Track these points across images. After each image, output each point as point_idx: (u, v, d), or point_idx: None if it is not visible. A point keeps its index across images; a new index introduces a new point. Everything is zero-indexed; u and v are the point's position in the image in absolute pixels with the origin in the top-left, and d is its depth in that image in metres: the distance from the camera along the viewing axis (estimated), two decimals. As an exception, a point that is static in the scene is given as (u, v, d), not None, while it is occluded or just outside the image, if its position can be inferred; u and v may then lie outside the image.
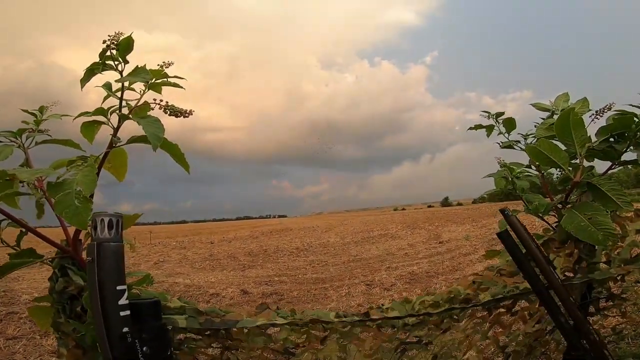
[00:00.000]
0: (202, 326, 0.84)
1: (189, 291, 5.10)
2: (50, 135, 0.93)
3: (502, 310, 1.05)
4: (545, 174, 1.23)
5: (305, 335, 0.90)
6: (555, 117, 1.20)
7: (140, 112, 0.79)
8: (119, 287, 0.66)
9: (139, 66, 0.78)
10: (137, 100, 0.79)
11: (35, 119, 0.92)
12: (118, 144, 0.81)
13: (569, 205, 1.05)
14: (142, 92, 0.79)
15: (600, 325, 1.28)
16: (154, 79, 0.80)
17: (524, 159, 1.29)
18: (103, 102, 0.78)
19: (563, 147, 1.05)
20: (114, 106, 0.79)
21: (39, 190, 0.81)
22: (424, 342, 0.99)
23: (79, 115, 0.80)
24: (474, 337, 1.05)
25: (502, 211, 0.97)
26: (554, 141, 1.07)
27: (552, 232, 1.10)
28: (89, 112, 0.79)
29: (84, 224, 0.68)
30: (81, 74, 0.78)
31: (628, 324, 1.51)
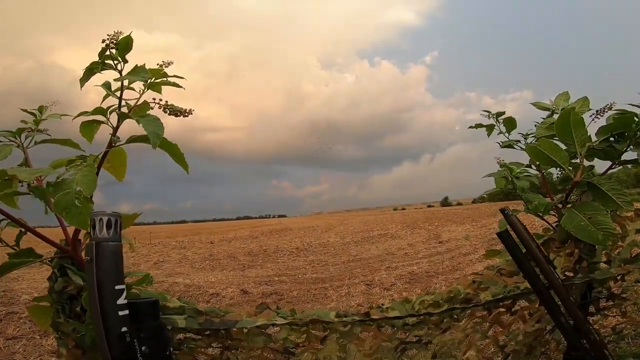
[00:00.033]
0: (201, 326, 0.84)
1: (188, 291, 5.10)
2: (50, 135, 0.93)
3: (501, 309, 1.05)
4: (545, 173, 1.23)
5: (305, 335, 0.90)
6: (556, 116, 1.20)
7: (139, 111, 0.79)
8: (117, 287, 0.65)
9: (138, 65, 0.77)
10: (136, 100, 0.79)
11: (34, 118, 0.92)
12: (117, 144, 0.81)
13: (569, 205, 1.05)
14: (141, 91, 0.79)
15: (600, 325, 1.28)
16: (153, 79, 0.79)
17: (524, 158, 1.29)
18: (102, 101, 0.78)
19: (563, 147, 1.05)
20: (113, 105, 0.79)
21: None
22: (423, 341, 0.99)
23: (78, 115, 0.80)
24: (473, 336, 1.05)
25: (502, 211, 0.97)
26: (554, 141, 1.07)
27: (552, 232, 1.10)
28: (88, 112, 0.79)
29: (85, 224, 0.67)
30: (81, 74, 0.78)
31: (628, 324, 1.51)
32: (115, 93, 0.78)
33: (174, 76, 0.82)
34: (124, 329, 0.65)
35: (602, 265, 1.07)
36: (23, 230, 0.82)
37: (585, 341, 0.91)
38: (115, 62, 0.77)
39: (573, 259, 1.03)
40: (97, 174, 0.75)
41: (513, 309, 1.06)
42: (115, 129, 0.80)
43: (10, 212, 0.80)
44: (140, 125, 0.74)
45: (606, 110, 1.09)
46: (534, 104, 1.33)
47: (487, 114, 1.34)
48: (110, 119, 0.79)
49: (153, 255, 10.33)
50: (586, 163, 1.05)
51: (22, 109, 0.93)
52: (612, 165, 1.13)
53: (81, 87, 0.77)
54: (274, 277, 5.99)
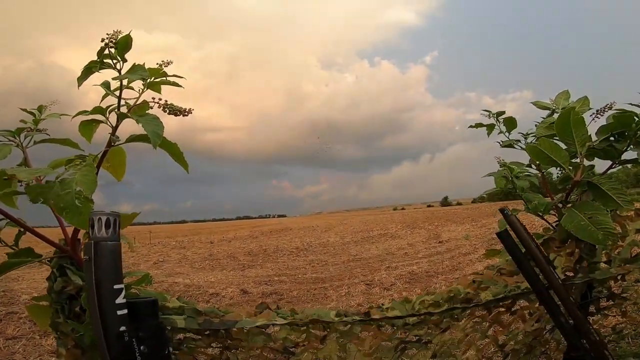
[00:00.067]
0: (201, 326, 0.83)
1: (188, 291, 5.10)
2: (49, 135, 0.92)
3: (501, 309, 1.05)
4: (545, 173, 1.23)
5: (304, 335, 0.90)
6: (556, 115, 1.20)
7: (139, 110, 0.79)
8: (116, 286, 0.65)
9: (137, 64, 0.77)
10: (135, 99, 0.79)
11: (33, 118, 0.92)
12: (117, 143, 0.81)
13: (570, 205, 1.05)
14: (140, 91, 0.79)
15: (600, 324, 1.28)
16: (152, 78, 0.79)
17: (524, 158, 1.29)
18: (101, 101, 0.78)
19: (563, 146, 1.05)
20: (112, 105, 0.79)
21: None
22: (423, 341, 0.99)
23: (78, 114, 0.79)
24: (473, 336, 1.05)
25: (502, 210, 0.96)
26: (554, 140, 1.06)
27: (552, 232, 1.10)
28: (88, 111, 0.79)
29: (85, 224, 0.67)
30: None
31: (628, 323, 1.50)
32: (115, 92, 0.77)
33: (174, 75, 0.81)
34: (123, 328, 0.65)
35: (602, 265, 1.07)
36: (22, 230, 0.82)
37: (585, 341, 0.91)
38: (115, 61, 0.77)
39: (573, 258, 1.03)
40: (97, 173, 0.75)
41: (513, 309, 1.06)
42: (115, 129, 0.79)
43: (10, 212, 0.80)
44: (140, 124, 0.74)
45: (606, 109, 1.09)
46: (534, 103, 1.33)
47: (487, 113, 1.34)
48: (109, 119, 0.79)
49: (153, 255, 10.33)
50: (586, 162, 1.05)
51: (21, 109, 0.93)
52: (612, 164, 1.13)
53: (79, 86, 0.77)
54: (273, 277, 5.99)
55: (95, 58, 0.77)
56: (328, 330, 0.91)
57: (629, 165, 1.17)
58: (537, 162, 1.18)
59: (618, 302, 1.17)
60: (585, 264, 1.03)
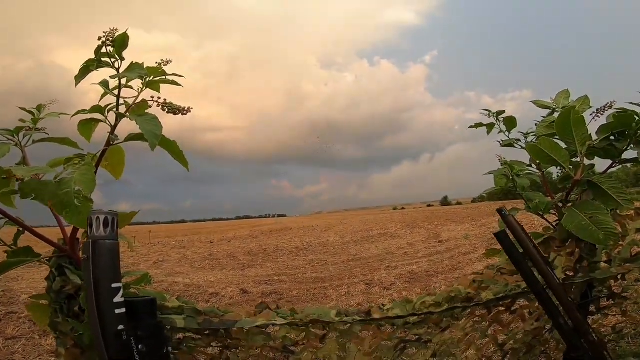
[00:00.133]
0: (200, 326, 0.83)
1: (188, 291, 5.10)
2: (48, 134, 0.92)
3: (501, 308, 1.05)
4: (545, 172, 1.23)
5: (304, 334, 0.89)
6: (556, 114, 1.20)
7: (137, 109, 0.79)
8: (114, 285, 0.65)
9: (135, 62, 0.77)
10: (134, 98, 0.79)
11: (32, 117, 0.92)
12: (115, 142, 0.81)
13: (570, 204, 1.05)
14: (139, 89, 0.79)
15: (600, 324, 1.27)
16: (151, 77, 0.79)
17: (524, 157, 1.29)
18: (100, 100, 0.78)
19: (564, 145, 1.05)
20: (111, 104, 0.79)
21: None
22: (423, 340, 0.98)
23: (77, 113, 0.79)
24: (473, 335, 1.05)
25: (500, 211, 0.96)
26: (554, 139, 1.06)
27: (552, 231, 1.09)
28: (86, 110, 0.78)
29: (85, 224, 0.67)
30: (80, 74, 0.77)
31: (628, 323, 1.50)
32: (114, 91, 0.77)
33: (173, 74, 0.81)
34: (121, 327, 0.65)
35: (603, 264, 1.07)
36: (21, 229, 0.82)
37: (584, 342, 0.91)
38: (112, 59, 0.76)
39: (574, 258, 1.03)
40: (95, 172, 0.75)
41: (512, 308, 1.06)
42: (114, 128, 0.79)
43: (9, 212, 0.79)
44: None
45: (606, 108, 1.08)
46: (534, 102, 1.33)
47: (487, 112, 1.33)
48: (108, 118, 0.79)
49: (153, 255, 10.32)
50: (587, 162, 1.05)
51: (20, 108, 0.92)
52: (612, 164, 1.13)
53: (76, 84, 0.76)
54: (273, 277, 5.99)
55: (94, 57, 0.77)
56: (328, 329, 0.91)
57: (629, 165, 1.17)
58: (538, 161, 1.18)
59: (618, 302, 1.17)
60: (585, 264, 1.03)
